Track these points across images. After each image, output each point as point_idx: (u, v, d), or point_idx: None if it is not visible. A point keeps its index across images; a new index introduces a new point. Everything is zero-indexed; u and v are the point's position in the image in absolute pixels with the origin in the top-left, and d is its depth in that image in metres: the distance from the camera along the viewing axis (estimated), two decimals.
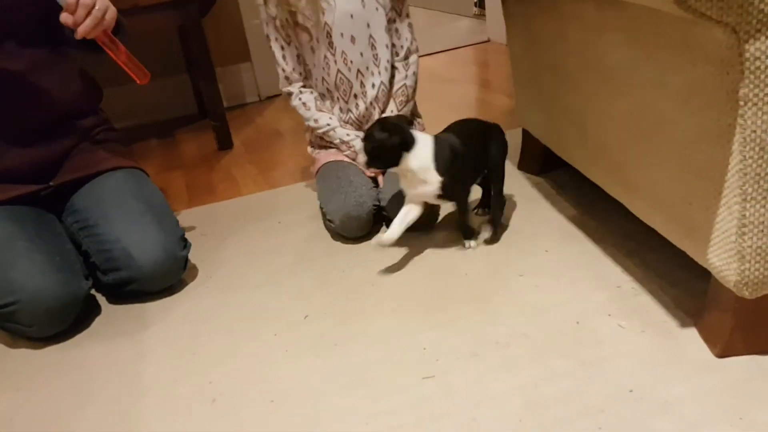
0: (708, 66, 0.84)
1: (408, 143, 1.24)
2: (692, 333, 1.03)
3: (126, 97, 2.59)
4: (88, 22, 1.16)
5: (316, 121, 1.57)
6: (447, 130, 1.34)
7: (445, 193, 1.28)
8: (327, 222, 1.49)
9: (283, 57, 1.56)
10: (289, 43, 1.55)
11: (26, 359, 1.22)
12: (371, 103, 1.56)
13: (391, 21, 1.53)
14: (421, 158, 1.25)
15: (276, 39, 1.55)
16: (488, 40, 3.20)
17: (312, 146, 1.68)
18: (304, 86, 1.59)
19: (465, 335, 1.10)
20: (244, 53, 2.77)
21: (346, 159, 1.57)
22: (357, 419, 0.96)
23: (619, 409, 0.91)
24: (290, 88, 1.59)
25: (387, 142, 1.23)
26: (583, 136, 1.27)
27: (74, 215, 1.36)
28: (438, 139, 1.28)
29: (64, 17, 1.16)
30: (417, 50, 1.59)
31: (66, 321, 1.25)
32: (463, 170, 1.29)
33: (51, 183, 1.36)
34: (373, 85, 1.55)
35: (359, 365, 1.07)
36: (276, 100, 2.83)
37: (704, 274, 1.00)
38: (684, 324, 1.06)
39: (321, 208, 1.52)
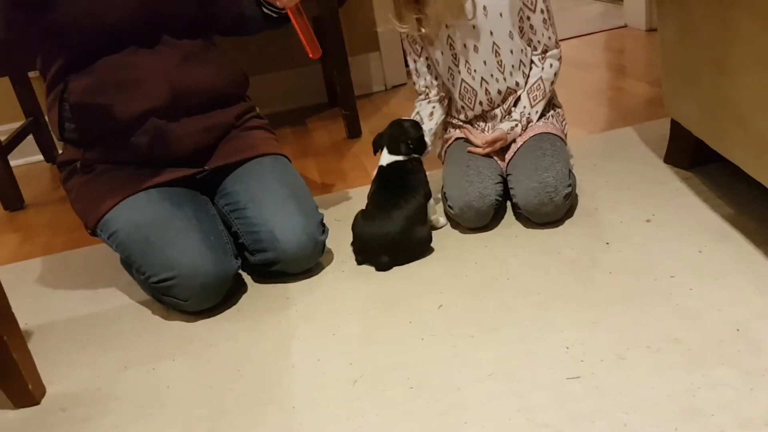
0: None
1: None
2: None
3: (262, 86, 2.70)
4: None
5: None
6: None
7: None
8: (446, 207, 1.49)
9: (416, 71, 1.61)
10: (419, 56, 1.58)
11: (180, 331, 1.31)
12: (498, 106, 1.56)
13: (524, 18, 1.50)
14: None
15: (410, 53, 1.59)
16: (625, 26, 3.05)
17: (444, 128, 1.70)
18: (428, 99, 1.61)
19: (611, 337, 1.06)
20: (373, 43, 2.81)
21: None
22: (499, 413, 0.95)
23: None
24: (416, 102, 1.64)
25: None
26: (746, 131, 1.18)
27: (226, 198, 1.44)
28: None
29: None
30: (557, 46, 1.54)
31: (218, 296, 1.33)
32: None
33: (206, 167, 1.45)
34: (499, 92, 1.53)
35: (498, 359, 1.06)
36: (401, 89, 2.84)
37: None
38: None
39: (443, 191, 1.51)
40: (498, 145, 1.51)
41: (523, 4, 1.48)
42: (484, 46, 1.49)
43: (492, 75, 1.52)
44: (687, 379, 0.94)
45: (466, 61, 1.51)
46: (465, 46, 1.50)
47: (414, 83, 1.63)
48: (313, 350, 1.17)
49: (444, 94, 1.61)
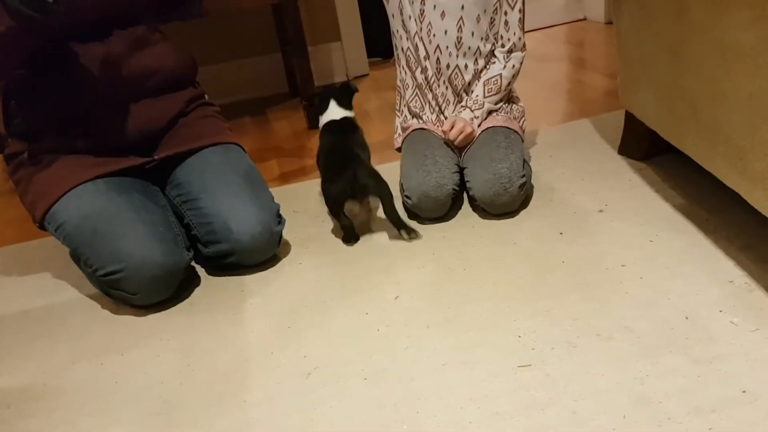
0: None
1: None
2: None
3: (222, 75, 2.66)
4: None
5: None
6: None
7: None
8: (404, 198, 1.48)
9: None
10: (388, 2, 1.59)
11: (130, 325, 1.27)
12: (443, 83, 1.56)
13: (500, 12, 1.51)
14: None
15: None
16: (584, 19, 3.08)
17: (398, 113, 1.69)
18: None
19: (562, 325, 1.06)
20: (335, 32, 2.78)
21: (434, 130, 1.56)
22: (452, 402, 0.95)
23: (732, 411, 0.86)
24: None
25: None
26: (698, 121, 1.19)
27: (177, 189, 1.41)
28: None
29: None
30: (524, 49, 1.56)
31: (169, 289, 1.30)
32: None
33: (155, 156, 1.41)
34: (448, 66, 1.54)
35: (452, 349, 1.06)
36: (364, 80, 2.83)
37: None
38: None
39: (400, 182, 1.51)
40: (467, 132, 1.48)
41: None
42: (450, 16, 1.50)
43: (447, 47, 1.52)
44: (636, 367, 0.95)
45: (430, 23, 1.51)
46: (435, 7, 1.50)
47: None
48: (268, 343, 1.15)
49: None
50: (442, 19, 1.50)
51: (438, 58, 1.54)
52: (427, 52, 1.54)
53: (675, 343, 0.99)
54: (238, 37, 2.69)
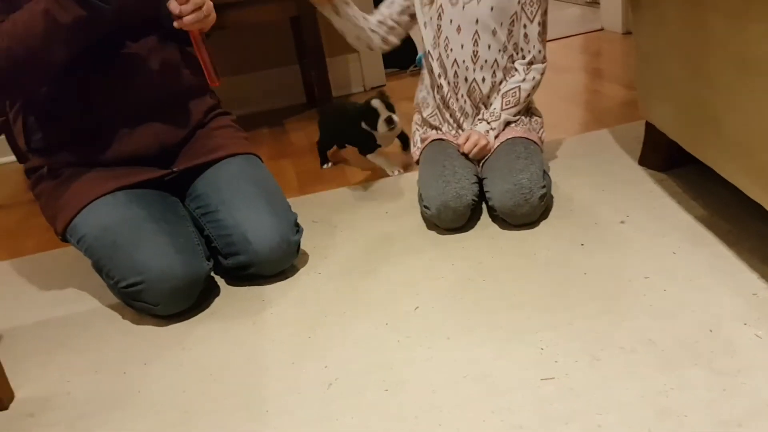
0: None
1: None
2: None
3: (239, 86, 2.69)
4: (191, 17, 1.24)
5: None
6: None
7: None
8: (423, 208, 1.48)
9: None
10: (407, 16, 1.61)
11: (151, 335, 1.28)
12: (461, 96, 1.57)
13: (518, 24, 1.51)
14: None
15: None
16: (601, 29, 3.08)
17: (418, 127, 1.69)
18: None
19: (585, 338, 1.06)
20: None
21: (452, 141, 1.56)
22: (474, 414, 0.94)
23: (759, 424, 0.85)
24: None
25: None
26: (719, 133, 1.18)
27: (196, 201, 1.42)
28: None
29: (173, 5, 1.24)
30: (544, 61, 1.56)
31: (189, 299, 1.30)
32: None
33: (174, 169, 1.43)
34: (466, 80, 1.54)
35: (473, 360, 1.05)
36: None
37: None
38: None
39: (419, 193, 1.51)
40: (482, 144, 1.49)
41: (523, 10, 1.50)
42: (466, 30, 1.50)
43: (464, 61, 1.53)
44: (660, 380, 0.94)
45: (447, 38, 1.53)
46: (451, 22, 1.51)
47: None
48: (288, 353, 1.15)
49: (396, 25, 1.60)
50: (458, 33, 1.51)
51: (456, 72, 1.54)
52: (444, 69, 1.55)
53: (699, 356, 0.98)
54: (256, 49, 2.71)
